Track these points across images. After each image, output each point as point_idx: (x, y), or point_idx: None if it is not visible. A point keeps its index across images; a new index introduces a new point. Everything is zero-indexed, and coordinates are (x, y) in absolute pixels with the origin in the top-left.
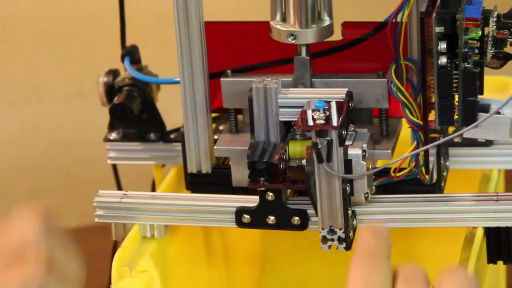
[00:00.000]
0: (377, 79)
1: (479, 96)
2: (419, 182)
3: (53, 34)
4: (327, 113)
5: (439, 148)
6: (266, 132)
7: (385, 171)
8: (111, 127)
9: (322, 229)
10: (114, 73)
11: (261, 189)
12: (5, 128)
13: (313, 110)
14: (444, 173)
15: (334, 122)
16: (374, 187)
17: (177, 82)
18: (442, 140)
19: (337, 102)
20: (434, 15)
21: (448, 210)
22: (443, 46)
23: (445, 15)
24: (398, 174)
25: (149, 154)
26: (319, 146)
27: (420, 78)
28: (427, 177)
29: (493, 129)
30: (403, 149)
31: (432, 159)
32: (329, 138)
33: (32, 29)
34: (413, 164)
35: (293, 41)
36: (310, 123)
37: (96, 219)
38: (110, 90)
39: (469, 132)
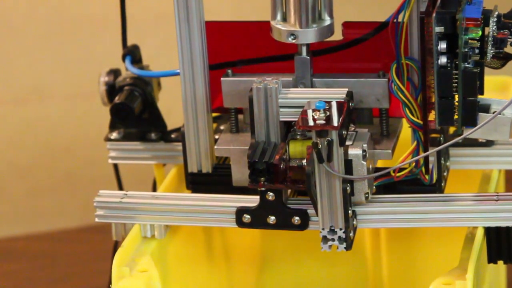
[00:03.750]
0: (378, 79)
1: (480, 96)
2: (419, 182)
3: (53, 34)
4: (328, 113)
5: None
6: (267, 132)
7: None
8: (112, 127)
9: (323, 229)
10: (115, 72)
11: (261, 189)
12: (5, 128)
13: (313, 110)
14: (445, 173)
15: (335, 122)
16: (374, 187)
17: (177, 74)
18: (444, 145)
19: (337, 102)
20: (434, 15)
21: (448, 210)
22: (443, 46)
23: (445, 15)
24: (398, 174)
25: (150, 153)
26: (320, 146)
27: (421, 78)
28: (427, 177)
29: (493, 129)
30: (404, 149)
31: (432, 159)
32: (329, 138)
33: (32, 29)
34: (413, 164)
35: (294, 41)
36: (311, 123)
37: (96, 219)
38: (111, 90)
39: (468, 132)
